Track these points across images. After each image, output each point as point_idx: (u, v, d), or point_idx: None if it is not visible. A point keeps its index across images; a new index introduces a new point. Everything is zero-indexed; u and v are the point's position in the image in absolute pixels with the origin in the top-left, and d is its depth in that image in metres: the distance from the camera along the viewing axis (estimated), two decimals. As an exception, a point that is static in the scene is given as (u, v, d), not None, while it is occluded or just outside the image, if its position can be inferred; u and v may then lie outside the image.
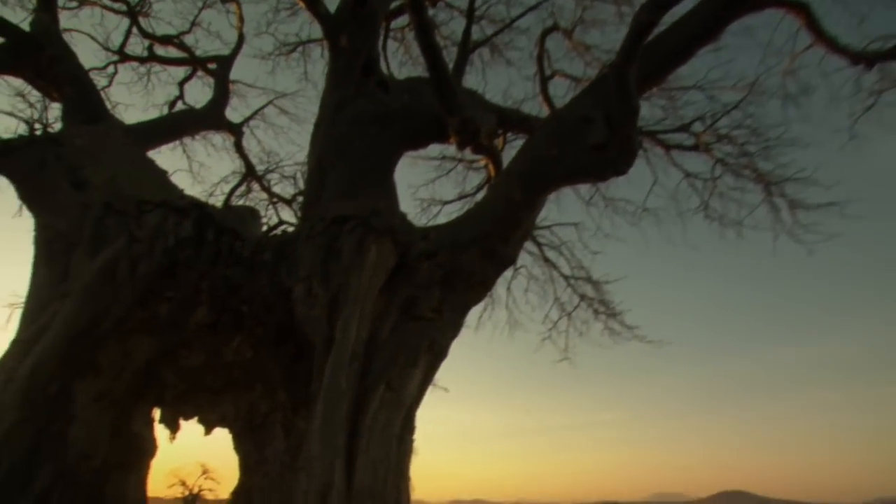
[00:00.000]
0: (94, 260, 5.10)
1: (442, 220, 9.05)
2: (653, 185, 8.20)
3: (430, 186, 9.97)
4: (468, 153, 8.10)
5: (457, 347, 5.53)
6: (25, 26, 7.06)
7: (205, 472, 41.15)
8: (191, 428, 5.44)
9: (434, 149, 8.95)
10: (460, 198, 9.80)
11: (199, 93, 10.96)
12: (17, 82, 7.73)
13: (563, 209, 10.17)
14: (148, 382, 5.07)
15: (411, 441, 4.96)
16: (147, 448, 5.16)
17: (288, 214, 10.30)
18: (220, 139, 10.22)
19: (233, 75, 9.38)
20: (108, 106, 7.94)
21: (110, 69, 9.44)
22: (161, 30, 9.46)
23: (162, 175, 6.50)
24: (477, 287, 5.56)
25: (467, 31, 7.76)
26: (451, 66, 6.78)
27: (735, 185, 7.69)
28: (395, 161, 6.69)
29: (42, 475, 4.35)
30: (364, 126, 6.48)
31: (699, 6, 5.12)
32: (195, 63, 9.62)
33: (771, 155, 7.31)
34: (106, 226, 5.28)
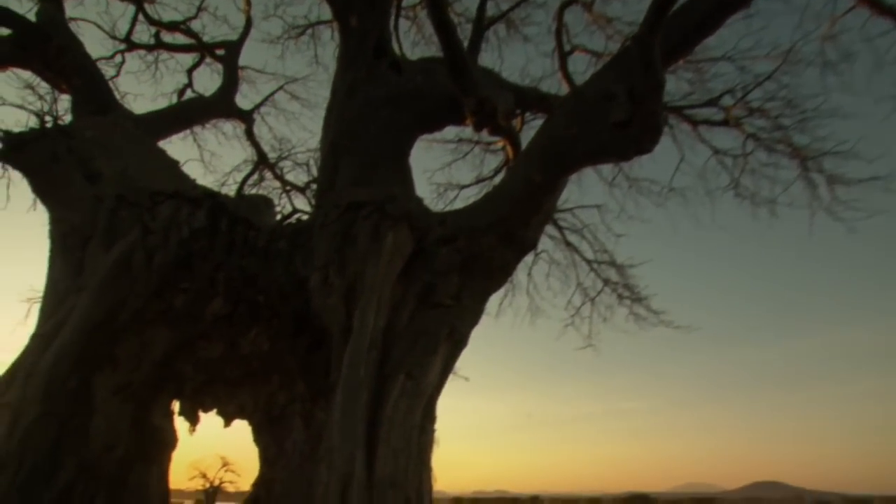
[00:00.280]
0: (109, 253, 5.22)
1: (459, 204, 9.10)
2: (679, 164, 8.09)
3: (447, 170, 9.97)
4: (485, 135, 8.07)
5: (477, 335, 5.58)
6: (31, 17, 7.19)
7: (225, 464, 42.33)
8: (210, 420, 5.59)
9: (450, 131, 8.94)
10: (478, 181, 9.79)
11: (208, 80, 11.06)
12: (26, 74, 7.90)
13: (584, 191, 10.14)
14: (166, 375, 5.21)
15: (432, 431, 5.03)
16: (167, 440, 5.31)
17: (302, 202, 10.41)
18: (230, 127, 10.34)
19: (241, 61, 9.46)
20: (117, 96, 8.07)
21: (118, 58, 9.57)
22: (167, 16, 9.56)
23: (173, 165, 6.61)
24: (497, 273, 5.57)
25: (482, 7, 7.69)
26: (465, 44, 6.74)
27: (768, 161, 7.53)
28: (409, 145, 6.70)
29: (65, 468, 4.51)
30: (377, 109, 6.49)
31: (727, -30, 5.00)
32: (203, 49, 9.71)
33: (808, 128, 7.12)
34: (119, 218, 5.40)
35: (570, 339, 9.46)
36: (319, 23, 9.90)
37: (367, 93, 6.67)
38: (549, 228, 8.95)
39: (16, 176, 7.62)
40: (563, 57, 8.08)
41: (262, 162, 10.34)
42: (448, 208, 8.68)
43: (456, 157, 9.87)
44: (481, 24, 7.72)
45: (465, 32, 8.03)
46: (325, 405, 4.75)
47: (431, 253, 5.22)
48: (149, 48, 9.78)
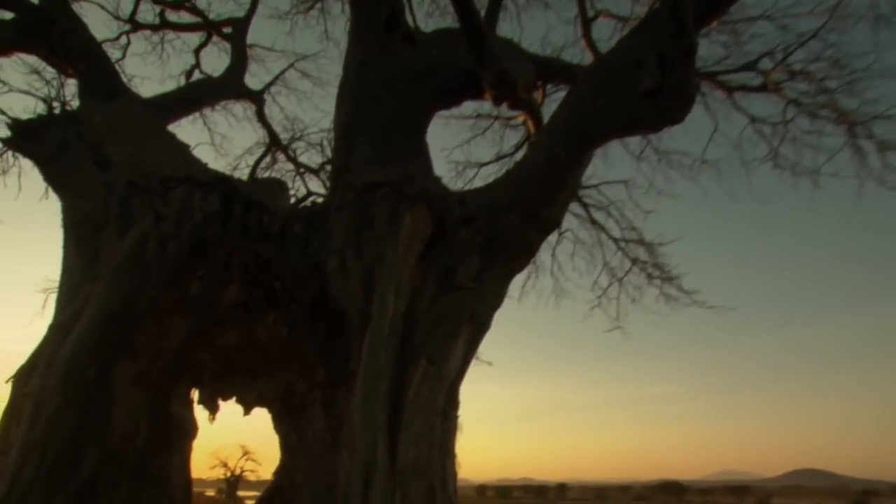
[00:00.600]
0: (123, 241, 5.33)
1: (479, 183, 9.04)
2: (713, 134, 7.87)
3: (465, 148, 9.91)
4: (505, 109, 8.00)
5: (500, 319, 5.60)
6: (35, -1, 7.27)
7: (245, 453, 43.55)
8: (230, 409, 5.74)
9: (468, 106, 8.86)
10: (498, 158, 9.72)
11: (216, 60, 11.11)
12: (32, 59, 8.02)
13: (611, 166, 9.99)
14: (184, 363, 5.34)
15: (455, 417, 5.09)
16: (188, 429, 5.47)
17: (316, 185, 10.47)
18: (240, 108, 10.40)
19: (249, 39, 9.48)
20: (124, 79, 8.17)
21: (123, 40, 9.65)
22: (172, -8, 9.58)
23: (184, 149, 6.69)
24: (519, 254, 5.57)
25: (499, -27, 7.57)
26: (482, 13, 6.65)
27: (811, 129, 7.27)
28: (426, 122, 6.69)
29: (88, 457, 4.68)
30: (391, 86, 6.48)
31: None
32: (209, 28, 9.74)
33: (856, 90, 6.76)
34: (131, 205, 5.50)
35: (597, 322, 9.43)
36: (329, -5, 9.84)
37: (380, 68, 6.65)
38: (574, 206, 8.86)
39: (26, 164, 7.81)
40: (587, 23, 7.92)
41: (274, 144, 10.40)
42: (467, 187, 8.65)
43: (475, 134, 9.80)
44: (499, -8, 7.61)
45: (481, 1, 7.91)
46: (345, 392, 4.84)
47: (451, 234, 5.23)
48: (154, 28, 9.85)
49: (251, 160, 10.42)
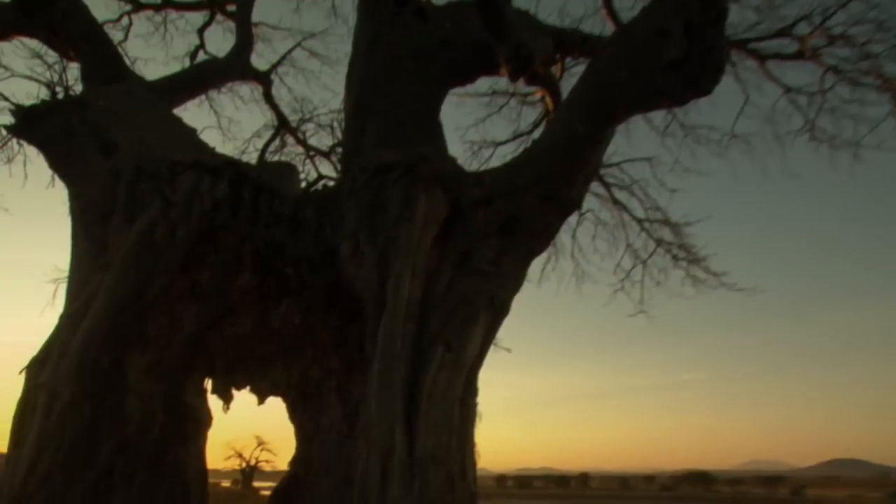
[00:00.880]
0: (131, 228, 5.42)
1: (495, 163, 8.99)
2: (743, 106, 7.72)
3: (481, 127, 9.87)
4: (521, 85, 7.94)
5: (519, 303, 5.61)
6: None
7: (260, 443, 44.49)
8: (244, 399, 5.85)
9: (482, 83, 8.81)
10: (515, 137, 9.67)
11: (221, 40, 11.14)
12: (33, 43, 8.10)
13: (633, 142, 9.87)
14: (197, 352, 5.45)
15: (475, 404, 5.14)
16: (202, 419, 5.60)
17: (327, 168, 10.53)
18: (247, 90, 10.45)
19: (255, 17, 9.47)
20: (127, 62, 8.23)
21: (124, 21, 9.71)
22: (173, -30, 9.60)
23: (191, 133, 6.76)
24: (538, 235, 5.56)
25: (514, -59, 7.46)
26: (497, -17, 6.57)
27: (851, 98, 7.06)
28: (439, 100, 6.67)
29: (104, 448, 4.82)
30: (403, 63, 6.46)
31: None
32: (213, 6, 9.76)
33: None
34: (139, 191, 5.58)
35: (621, 306, 9.40)
36: (336, -31, 9.80)
37: (390, 45, 6.63)
38: (595, 186, 8.81)
39: (31, 152, 7.93)
40: (607, -9, 7.81)
41: (282, 126, 10.44)
42: (484, 168, 8.63)
43: (490, 112, 9.75)
44: (514, -40, 7.51)
45: (496, -29, 7.80)
46: (360, 380, 4.91)
47: (468, 216, 5.24)
48: (156, 7, 9.90)
49: (260, 143, 10.50)
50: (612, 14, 7.73)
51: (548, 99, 7.90)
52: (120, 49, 8.27)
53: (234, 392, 5.75)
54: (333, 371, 5.29)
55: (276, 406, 5.83)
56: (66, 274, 6.01)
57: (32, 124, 6.10)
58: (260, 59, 10.13)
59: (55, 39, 7.49)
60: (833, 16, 6.66)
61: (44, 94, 8.00)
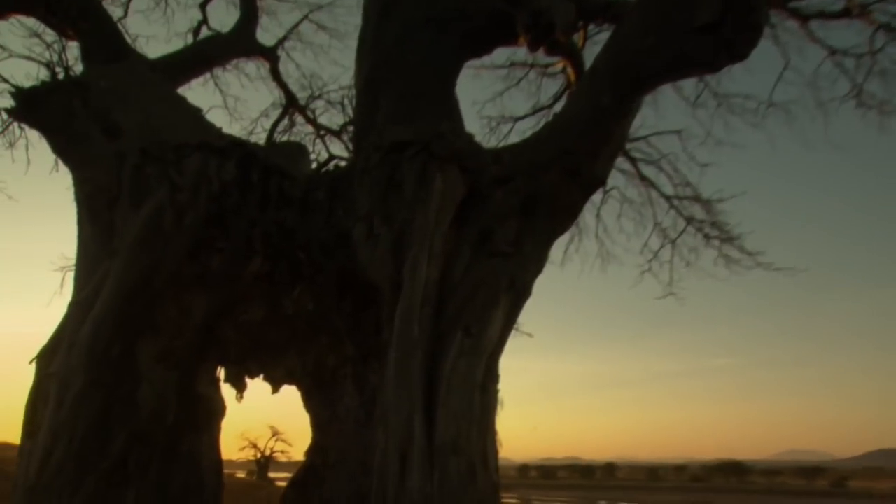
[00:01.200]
0: (138, 213, 5.51)
1: (515, 139, 8.98)
2: (783, 71, 7.55)
3: (499, 101, 9.84)
4: (541, 55, 7.87)
5: (541, 285, 5.63)
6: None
7: (275, 433, 45.42)
8: (258, 388, 5.97)
9: (500, 55, 8.76)
10: (535, 111, 9.63)
11: (224, 15, 11.15)
12: (31, 22, 8.18)
13: (662, 114, 9.75)
14: (209, 340, 5.56)
15: (495, 391, 5.19)
16: (215, 408, 5.72)
17: (338, 147, 10.57)
18: (253, 67, 10.46)
19: (260, -12, 9.46)
20: (128, 40, 8.28)
21: (124, -5, 9.74)
22: (172, -59, 9.61)
23: (196, 113, 6.80)
24: (561, 214, 5.56)
25: None
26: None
27: (905, 59, 6.90)
28: (455, 73, 6.64)
29: (117, 438, 4.96)
30: (416, 34, 6.43)
31: None
32: (215, -22, 9.76)
33: None
34: (145, 175, 5.66)
35: (648, 288, 9.37)
36: (342, -65, 9.74)
37: (402, 15, 6.60)
38: (621, 161, 8.74)
39: (33, 136, 8.05)
40: (633, -48, 7.68)
41: (291, 104, 10.47)
42: (502, 144, 8.61)
43: (509, 85, 9.71)
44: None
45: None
46: (377, 367, 4.98)
47: (486, 195, 5.24)
48: (156, -19, 9.92)
49: (268, 123, 10.56)
50: (638, -24, 7.59)
51: (570, 69, 7.84)
52: (120, 26, 8.32)
53: (248, 381, 5.87)
54: (349, 358, 5.37)
55: (290, 395, 5.95)
56: (73, 262, 6.14)
57: (33, 107, 6.17)
58: (266, 34, 10.14)
59: (53, 17, 7.56)
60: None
61: (43, 74, 8.10)
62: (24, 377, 5.35)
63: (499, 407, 5.23)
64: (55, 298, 8.82)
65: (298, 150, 7.55)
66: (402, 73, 6.25)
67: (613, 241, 9.66)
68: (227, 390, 5.90)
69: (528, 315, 5.61)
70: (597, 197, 8.91)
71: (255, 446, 45.39)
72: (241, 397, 5.91)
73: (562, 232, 5.85)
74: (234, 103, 10.69)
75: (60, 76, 7.19)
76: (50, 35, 8.38)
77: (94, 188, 5.90)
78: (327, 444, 5.44)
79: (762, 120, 8.01)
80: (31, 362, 5.29)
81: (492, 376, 5.16)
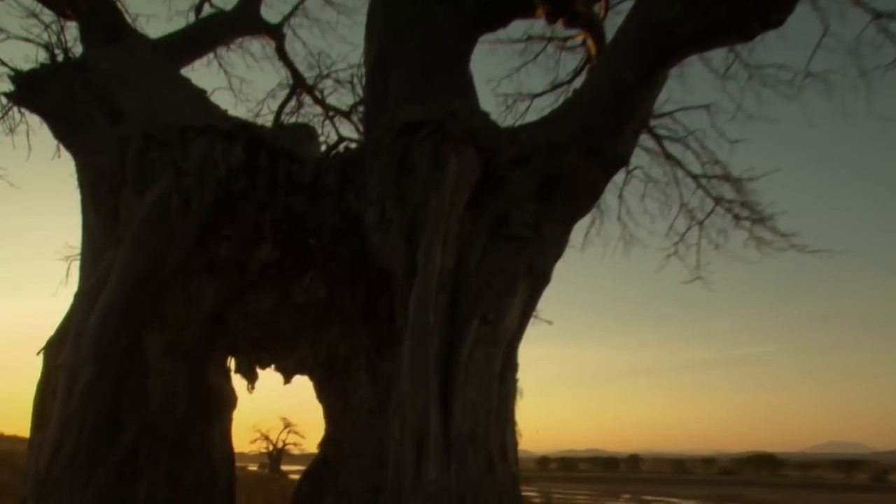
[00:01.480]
0: (143, 200, 5.58)
1: (532, 117, 8.92)
2: (822, 38, 7.39)
3: (515, 77, 9.79)
4: (560, 28, 7.81)
5: (561, 271, 5.64)
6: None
7: (287, 425, 46.11)
8: (269, 380, 6.06)
9: (516, 28, 8.69)
10: (554, 88, 9.58)
11: (227, -10, 11.15)
12: (28, 1, 8.26)
13: (689, 88, 9.62)
14: (218, 330, 5.65)
15: (514, 381, 5.23)
16: (226, 399, 5.83)
17: (348, 129, 10.59)
18: (258, 46, 10.49)
19: (262, -38, 9.45)
20: (128, 19, 8.33)
21: (122, -28, 9.78)
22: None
23: (201, 95, 6.86)
24: (581, 196, 5.55)
25: None
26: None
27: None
28: (469, 49, 6.62)
29: (126, 429, 5.07)
30: (428, 8, 6.42)
31: None
32: (217, -48, 9.76)
33: None
34: (149, 160, 5.72)
35: (674, 272, 9.34)
36: None
37: (414, -12, 6.58)
38: (645, 139, 8.68)
39: (34, 121, 8.16)
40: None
41: (298, 84, 10.50)
42: (519, 123, 8.58)
43: (525, 60, 9.65)
44: None
45: None
46: (391, 356, 5.03)
47: (503, 177, 5.25)
48: (157, -42, 9.94)
49: (274, 104, 10.60)
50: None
51: (590, 42, 7.77)
52: (119, 5, 8.37)
53: (259, 371, 5.96)
54: (362, 347, 5.43)
55: (302, 385, 6.03)
56: (79, 251, 6.24)
57: (33, 90, 6.25)
58: (270, 11, 10.13)
59: (50, -4, 7.64)
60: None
61: (42, 57, 8.19)
62: (32, 369, 5.49)
63: (518, 397, 5.28)
64: (61, 288, 8.99)
65: (307, 132, 7.57)
66: (413, 50, 6.25)
67: (637, 223, 9.63)
68: (237, 381, 6.01)
69: (548, 301, 5.64)
70: (619, 177, 8.88)
71: (266, 438, 46.17)
72: (253, 388, 6.00)
73: (582, 214, 5.85)
74: (239, 84, 10.75)
75: (60, 58, 7.27)
76: (48, 15, 8.46)
77: (96, 174, 5.98)
78: (341, 436, 5.52)
79: (798, 92, 7.84)
80: (38, 353, 5.41)
81: (510, 365, 5.20)
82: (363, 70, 7.76)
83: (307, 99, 10.68)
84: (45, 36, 8.48)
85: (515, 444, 5.21)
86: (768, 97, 8.28)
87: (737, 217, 8.83)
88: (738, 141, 8.71)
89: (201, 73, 10.01)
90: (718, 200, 8.90)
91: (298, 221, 5.55)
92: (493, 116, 5.92)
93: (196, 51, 8.69)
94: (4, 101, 7.90)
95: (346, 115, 10.57)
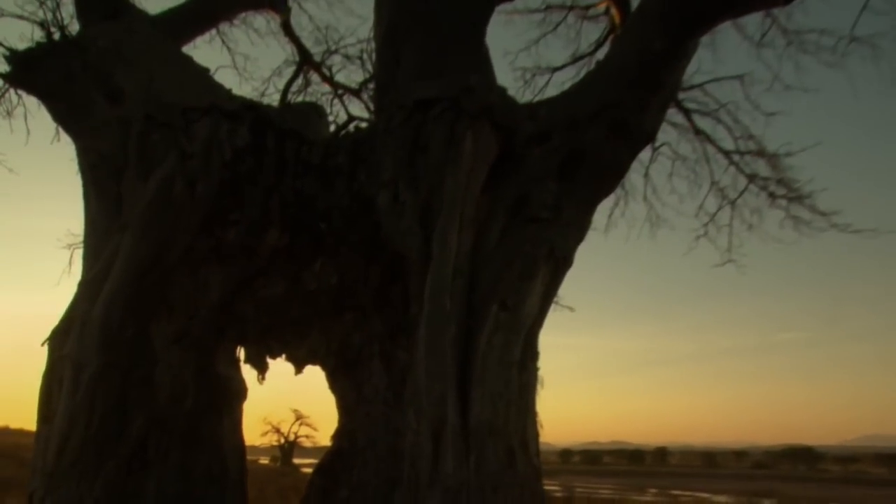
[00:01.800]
0: (146, 184, 5.65)
1: (552, 92, 8.89)
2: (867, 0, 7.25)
3: (534, 50, 9.73)
4: (581, -5, 7.73)
5: (583, 254, 5.64)
6: None
7: (299, 417, 46.67)
8: (280, 370, 6.14)
9: (534, -4, 8.63)
10: (575, 60, 9.50)
11: (228, -38, 11.14)
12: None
13: (720, 58, 9.44)
14: (227, 319, 5.73)
15: (535, 369, 5.26)
16: (236, 390, 5.93)
17: (358, 107, 10.58)
18: (263, 21, 10.47)
19: (266, -69, 9.43)
20: (127, -6, 8.37)
21: (120, -55, 9.81)
22: None
23: (203, 74, 6.90)
24: (605, 175, 5.54)
25: None
26: None
27: None
28: (485, 20, 6.59)
29: (135, 421, 5.20)
30: (440, -24, 6.38)
31: None
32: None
33: None
34: (152, 142, 5.78)
35: (704, 255, 9.28)
36: None
37: (426, -44, 6.54)
38: (672, 113, 8.60)
39: (32, 104, 8.24)
40: None
41: (305, 61, 10.50)
42: (538, 98, 8.54)
43: (545, 31, 9.59)
44: None
45: None
46: (406, 344, 5.08)
47: (522, 155, 5.25)
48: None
49: (281, 83, 10.60)
50: None
51: (614, 10, 7.71)
52: (117, -20, 8.40)
53: (270, 361, 6.04)
54: (376, 335, 5.48)
55: (314, 376, 6.11)
56: (81, 238, 6.34)
57: (30, 71, 6.30)
58: (274, -17, 10.12)
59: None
60: None
61: (38, 35, 8.25)
62: (36, 361, 5.61)
63: (539, 386, 5.31)
64: (64, 277, 9.13)
65: (315, 111, 7.60)
66: (425, 22, 6.23)
67: (664, 203, 9.57)
68: (247, 371, 6.10)
69: (570, 287, 5.65)
70: (645, 154, 8.80)
71: (278, 431, 46.78)
72: (263, 378, 6.09)
73: (606, 194, 5.84)
74: (243, 62, 10.74)
75: (56, 36, 7.32)
76: (43, -11, 8.50)
77: (98, 158, 6.05)
78: (355, 428, 5.59)
79: (841, 59, 7.68)
80: (43, 344, 5.53)
81: (531, 353, 5.23)
82: (373, 45, 7.75)
83: (315, 76, 10.69)
84: (41, 13, 8.53)
85: (536, 435, 5.25)
86: (808, 65, 8.17)
87: (772, 195, 8.73)
88: (775, 114, 8.59)
89: (203, 50, 10.08)
90: (752, 178, 8.81)
91: (308, 205, 5.59)
92: (511, 92, 5.91)
93: (198, 27, 8.72)
94: (0, 82, 7.98)
95: (356, 92, 10.57)
